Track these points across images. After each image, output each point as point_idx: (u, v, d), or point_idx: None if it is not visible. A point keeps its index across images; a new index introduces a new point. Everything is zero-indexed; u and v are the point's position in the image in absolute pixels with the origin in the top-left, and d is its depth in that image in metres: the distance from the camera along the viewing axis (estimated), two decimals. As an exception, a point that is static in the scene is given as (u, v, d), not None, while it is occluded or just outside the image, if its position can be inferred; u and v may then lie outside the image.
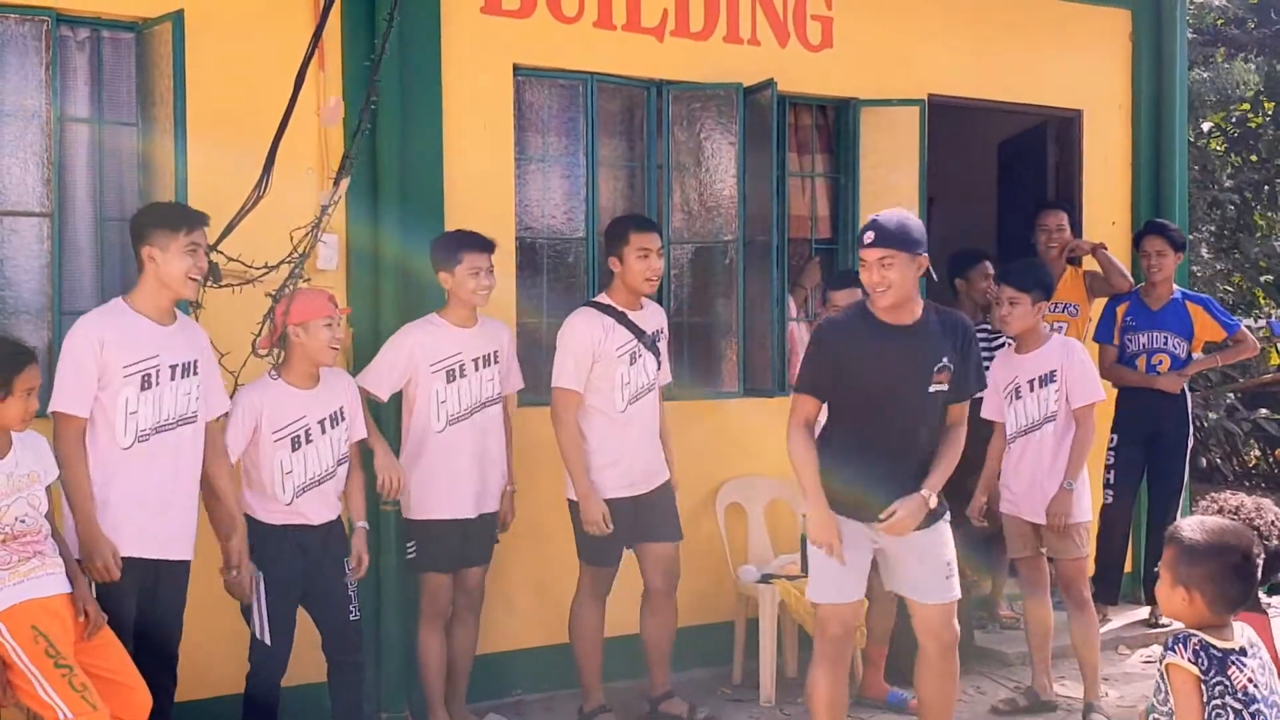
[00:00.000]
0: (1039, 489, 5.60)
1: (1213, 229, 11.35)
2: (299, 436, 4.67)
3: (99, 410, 4.28)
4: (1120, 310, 7.00)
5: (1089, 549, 5.72)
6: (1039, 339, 5.67)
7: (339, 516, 4.83)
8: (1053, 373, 5.58)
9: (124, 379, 4.29)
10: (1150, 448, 6.93)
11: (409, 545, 5.19)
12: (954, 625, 4.64)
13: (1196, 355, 6.98)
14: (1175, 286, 6.99)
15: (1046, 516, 5.54)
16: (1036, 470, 5.62)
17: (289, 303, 4.69)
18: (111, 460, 4.31)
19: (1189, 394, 6.99)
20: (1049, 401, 5.59)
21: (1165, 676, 3.03)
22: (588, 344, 5.25)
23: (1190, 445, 7.02)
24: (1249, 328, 8.62)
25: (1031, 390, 5.62)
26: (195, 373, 4.47)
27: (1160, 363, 6.90)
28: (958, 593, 4.64)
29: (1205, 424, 10.53)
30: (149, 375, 4.33)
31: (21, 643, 3.90)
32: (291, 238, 5.06)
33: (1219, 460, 11.39)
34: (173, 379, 4.39)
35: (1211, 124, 11.65)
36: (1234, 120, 11.95)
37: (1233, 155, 11.95)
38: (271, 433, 4.63)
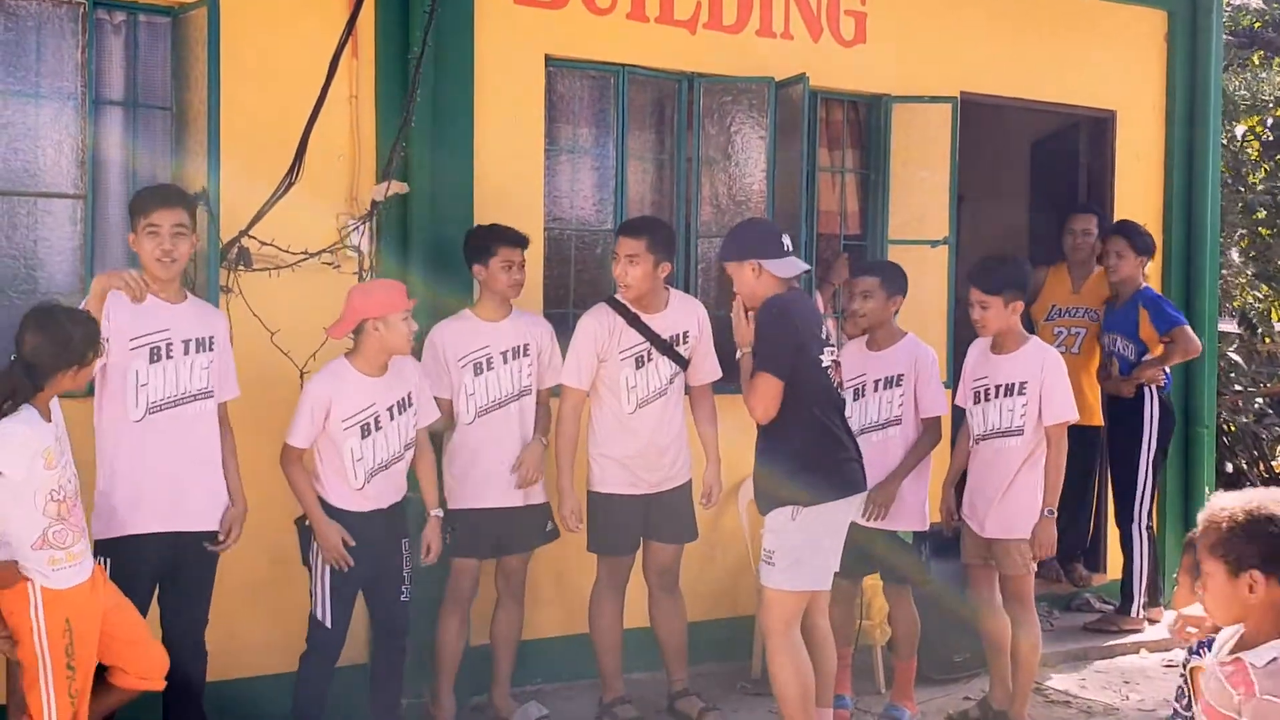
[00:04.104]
0: (985, 501, 5.32)
1: (1244, 233, 11.26)
2: (369, 424, 4.70)
3: (104, 384, 4.33)
4: (1102, 310, 7.07)
5: (1033, 566, 5.37)
6: (1016, 339, 5.34)
7: (404, 498, 4.90)
8: (1024, 384, 5.25)
9: (131, 352, 4.33)
10: (1109, 448, 6.95)
11: (447, 531, 5.17)
12: (766, 610, 4.74)
13: (1150, 356, 6.81)
14: (1143, 287, 6.92)
15: (1034, 547, 5.26)
16: (986, 482, 5.34)
17: (367, 294, 4.74)
18: (122, 433, 4.36)
19: (1150, 396, 6.79)
20: (1015, 414, 5.26)
21: (1189, 680, 3.01)
22: (591, 344, 5.25)
23: (1146, 448, 6.78)
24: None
25: (998, 397, 5.31)
26: (210, 349, 4.51)
27: (1111, 365, 6.90)
28: (764, 579, 4.73)
29: (1234, 428, 10.46)
30: (158, 348, 4.37)
31: (50, 629, 3.92)
32: (340, 232, 5.11)
33: (1245, 465, 11.31)
34: (186, 354, 4.44)
35: (1245, 128, 11.55)
36: (1268, 124, 11.85)
37: (1265, 161, 11.85)
38: (341, 421, 4.67)
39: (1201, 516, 2.85)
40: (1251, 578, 2.72)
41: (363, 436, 4.70)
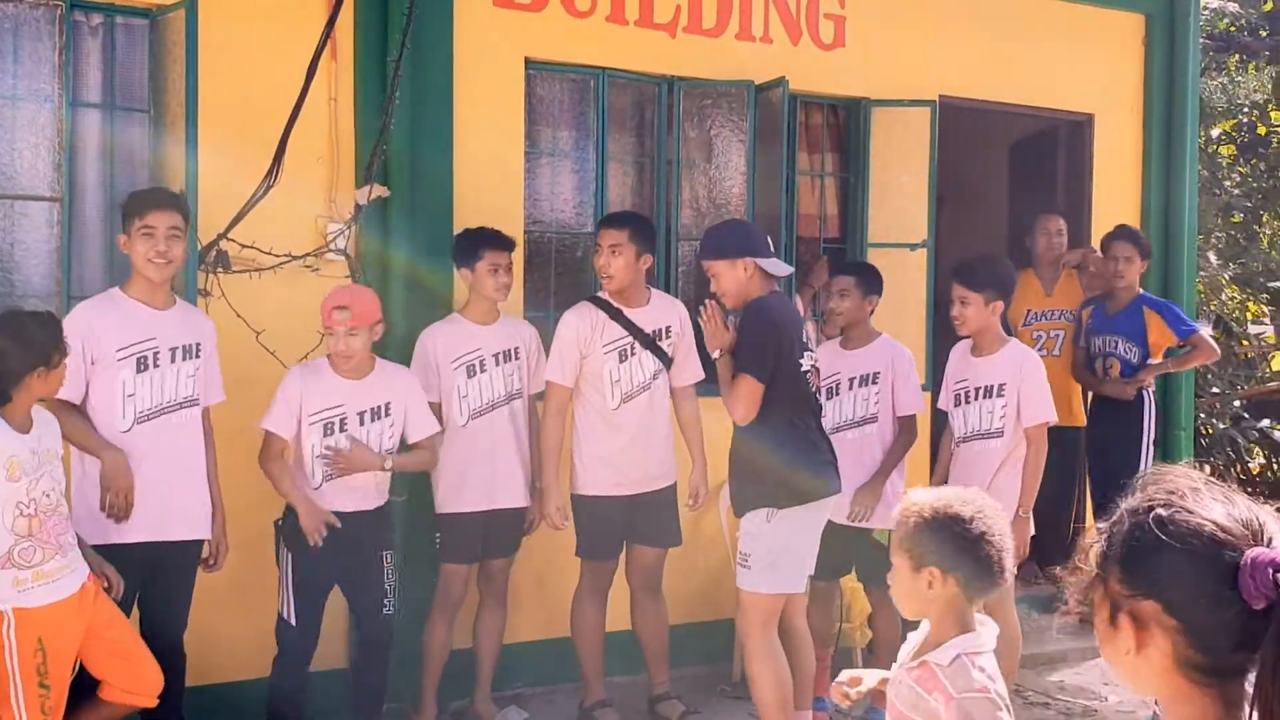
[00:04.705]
0: None
1: (1220, 235, 11.34)
2: (332, 424, 4.70)
3: (94, 394, 4.31)
4: (1085, 314, 7.01)
5: (1013, 568, 5.46)
6: (996, 342, 5.34)
7: (381, 508, 4.87)
8: (1002, 386, 5.25)
9: (118, 362, 4.32)
10: (1096, 450, 6.92)
11: (435, 537, 5.21)
12: (743, 613, 4.77)
13: (1154, 361, 6.84)
14: (1141, 291, 6.93)
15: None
16: (966, 484, 5.18)
17: (327, 299, 4.74)
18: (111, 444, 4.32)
19: (1148, 399, 6.83)
20: (995, 415, 5.27)
21: None
22: (575, 338, 5.26)
23: (1145, 451, 6.80)
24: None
25: (978, 399, 5.32)
26: (196, 356, 4.49)
27: (1111, 367, 6.87)
28: (740, 582, 4.75)
29: (1211, 431, 10.52)
30: (145, 358, 4.35)
31: (21, 648, 3.85)
32: (325, 237, 5.07)
33: (1223, 467, 11.36)
34: (173, 361, 4.42)
35: (1220, 130, 11.64)
36: (1243, 128, 11.94)
37: (1240, 163, 11.94)
38: (308, 415, 4.69)
39: (895, 511, 2.89)
40: (930, 574, 2.78)
41: (324, 435, 4.70)
